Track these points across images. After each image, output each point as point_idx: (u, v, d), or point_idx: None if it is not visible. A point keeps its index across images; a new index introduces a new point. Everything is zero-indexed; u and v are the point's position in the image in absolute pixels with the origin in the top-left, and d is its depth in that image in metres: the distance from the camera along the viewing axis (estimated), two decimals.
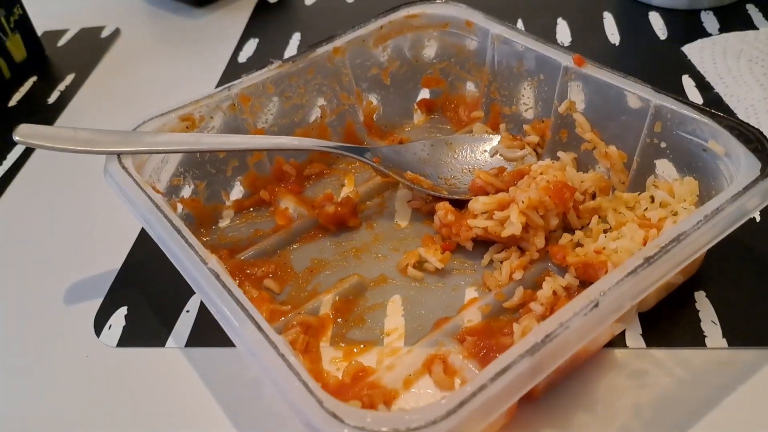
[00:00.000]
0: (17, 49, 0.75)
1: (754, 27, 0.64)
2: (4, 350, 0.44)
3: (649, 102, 0.42)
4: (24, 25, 0.75)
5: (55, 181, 0.59)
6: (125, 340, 0.43)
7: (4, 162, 0.62)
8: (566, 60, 0.47)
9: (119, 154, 0.42)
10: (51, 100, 0.70)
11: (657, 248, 0.32)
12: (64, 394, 0.40)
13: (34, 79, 0.74)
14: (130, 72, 0.74)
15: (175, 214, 0.38)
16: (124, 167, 0.41)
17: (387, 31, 0.55)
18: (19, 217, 0.55)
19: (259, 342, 0.30)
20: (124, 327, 0.44)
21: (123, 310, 0.45)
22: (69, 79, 0.73)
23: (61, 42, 0.81)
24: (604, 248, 0.40)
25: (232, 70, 0.70)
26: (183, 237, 0.36)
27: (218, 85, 0.67)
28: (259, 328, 0.31)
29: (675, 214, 0.41)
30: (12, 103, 0.70)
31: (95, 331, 0.43)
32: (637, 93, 0.43)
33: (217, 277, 0.34)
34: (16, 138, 0.41)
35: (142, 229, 0.51)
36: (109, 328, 0.44)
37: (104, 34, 0.81)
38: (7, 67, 0.73)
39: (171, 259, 0.36)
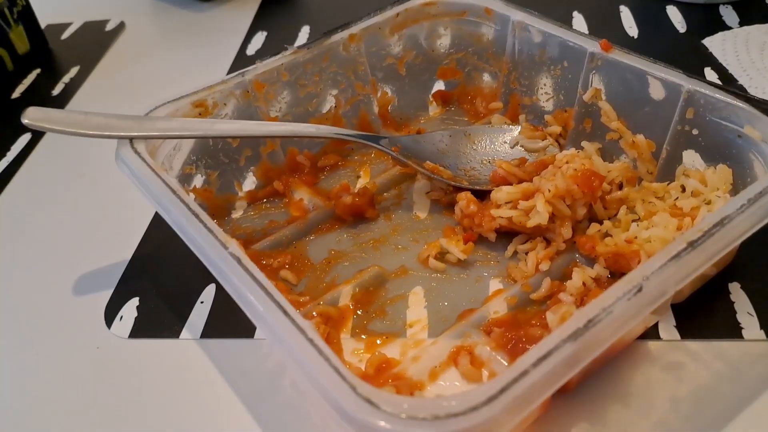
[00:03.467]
0: (20, 41, 0.73)
1: None
2: (12, 343, 0.42)
3: (680, 87, 0.41)
4: (27, 16, 0.74)
5: (60, 171, 0.57)
6: (137, 332, 0.41)
7: (8, 153, 0.60)
8: (592, 46, 0.45)
9: (132, 139, 0.40)
10: (55, 92, 0.69)
11: (701, 232, 0.31)
12: (75, 387, 0.39)
13: (37, 71, 0.73)
14: (135, 65, 0.72)
15: (191, 199, 0.36)
16: (137, 152, 0.40)
17: (403, 19, 0.53)
18: (24, 208, 0.53)
19: (286, 327, 0.29)
20: (136, 318, 0.42)
21: (134, 301, 0.43)
22: (73, 71, 0.72)
23: (65, 35, 0.80)
24: (635, 237, 0.39)
25: (240, 64, 0.69)
26: (202, 221, 0.34)
27: (233, 63, 0.67)
28: (286, 312, 0.29)
29: (708, 203, 0.40)
30: (15, 95, 0.69)
31: (106, 323, 0.42)
32: (668, 78, 0.42)
33: (239, 261, 0.32)
34: (25, 121, 0.39)
35: (153, 219, 0.49)
36: (121, 319, 0.42)
37: (108, 27, 0.80)
38: (10, 59, 0.72)
39: (189, 245, 0.35)
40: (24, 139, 0.61)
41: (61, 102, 0.67)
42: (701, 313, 0.38)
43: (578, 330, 0.27)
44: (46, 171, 0.58)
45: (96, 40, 0.78)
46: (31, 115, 0.39)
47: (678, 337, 0.37)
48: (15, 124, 0.63)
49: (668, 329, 0.38)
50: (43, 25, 0.77)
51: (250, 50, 0.71)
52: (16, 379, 0.40)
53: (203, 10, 0.81)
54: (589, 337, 0.27)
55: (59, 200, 0.54)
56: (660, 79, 0.42)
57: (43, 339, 0.42)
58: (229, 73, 0.67)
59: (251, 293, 0.31)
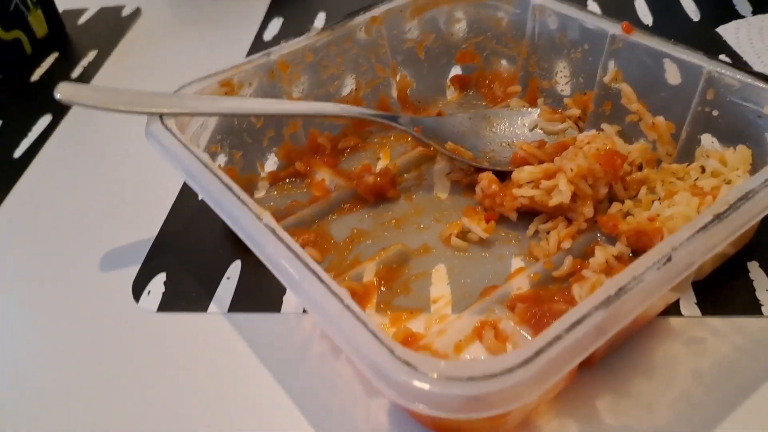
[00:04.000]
0: (39, 25, 0.74)
1: None
2: (41, 317, 0.43)
3: (701, 68, 0.42)
4: (46, 0, 0.74)
5: (82, 151, 0.58)
6: (165, 306, 0.42)
7: (29, 134, 0.61)
8: (613, 28, 0.46)
9: (162, 115, 0.41)
10: (74, 75, 0.69)
11: (726, 205, 0.32)
12: (104, 361, 0.39)
13: (55, 55, 0.74)
14: (152, 50, 0.73)
15: (223, 173, 0.37)
16: (168, 128, 0.40)
17: (424, 2, 0.54)
18: (47, 188, 0.54)
19: (323, 294, 0.29)
20: (163, 293, 0.43)
21: (162, 276, 0.44)
22: (92, 55, 0.73)
23: (81, 20, 0.80)
24: (657, 216, 0.40)
25: (258, 49, 0.69)
26: (235, 194, 0.35)
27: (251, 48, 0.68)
28: (322, 280, 0.30)
29: (729, 182, 0.40)
30: (34, 77, 0.70)
31: (134, 297, 0.43)
32: (689, 59, 0.42)
33: (274, 232, 0.33)
34: (57, 96, 0.40)
35: (179, 195, 0.50)
36: (149, 294, 0.43)
37: (125, 13, 0.81)
38: (29, 43, 0.72)
39: (223, 217, 0.35)
40: (45, 120, 0.62)
41: None
42: (721, 290, 0.39)
43: (610, 297, 0.28)
44: (67, 152, 0.58)
45: (112, 25, 0.79)
46: (63, 90, 0.40)
47: (699, 313, 0.38)
48: (35, 105, 0.64)
49: (689, 306, 0.38)
50: (59, 10, 0.78)
51: (267, 36, 0.72)
52: (46, 354, 0.40)
53: None
54: (620, 304, 0.28)
55: (82, 180, 0.54)
56: (680, 60, 0.43)
57: (71, 314, 0.43)
58: (255, 36, 0.68)
59: (287, 262, 0.31)
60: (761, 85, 0.39)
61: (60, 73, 0.70)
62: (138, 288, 0.43)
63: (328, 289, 0.29)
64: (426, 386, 0.26)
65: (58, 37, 0.77)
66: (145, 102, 0.40)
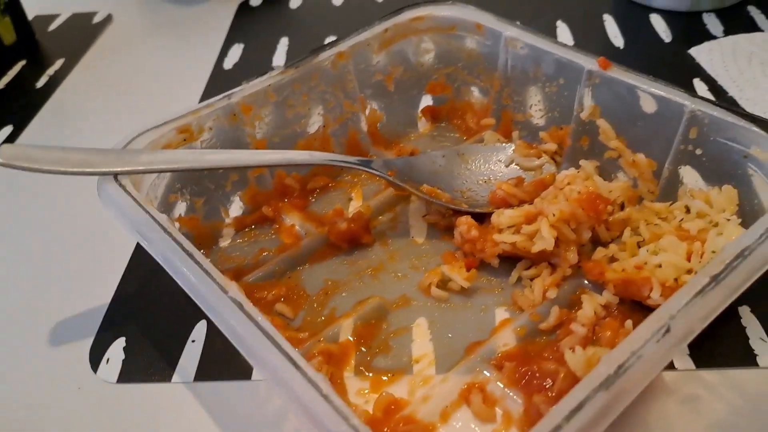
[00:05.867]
0: (7, 32, 0.72)
1: (757, 29, 0.63)
2: None
3: (683, 107, 0.40)
4: (14, 7, 0.73)
5: (28, 205, 0.54)
6: (125, 376, 0.39)
7: None
8: (590, 63, 0.44)
9: (116, 174, 0.38)
10: (39, 84, 0.68)
11: (723, 264, 0.30)
12: None
13: (23, 62, 0.72)
14: (120, 58, 0.72)
15: (184, 238, 0.34)
16: (122, 186, 0.37)
17: (392, 34, 0.52)
18: None
19: (301, 384, 0.27)
20: (123, 360, 0.39)
21: (121, 342, 0.40)
22: (58, 63, 0.71)
23: (52, 27, 0.79)
24: (645, 263, 0.38)
25: (227, 54, 0.70)
26: (198, 263, 0.32)
27: (212, 73, 0.67)
28: (297, 367, 0.27)
29: (716, 225, 0.39)
30: (0, 86, 0.68)
31: (92, 366, 0.39)
32: (670, 97, 0.41)
33: (241, 307, 0.30)
34: None
35: (134, 252, 0.47)
36: (107, 362, 0.39)
37: (96, 19, 0.79)
38: None
39: (186, 289, 0.32)
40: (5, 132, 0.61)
41: (44, 95, 0.67)
42: (712, 339, 0.37)
43: (609, 377, 0.26)
44: (9, 203, 0.54)
45: (83, 32, 0.77)
46: (5, 153, 0.36)
47: (692, 366, 0.36)
48: None
49: (682, 358, 0.37)
50: (30, 15, 0.77)
51: (236, 40, 0.72)
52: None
53: (191, 4, 0.80)
54: (622, 383, 0.26)
55: (31, 235, 0.51)
56: (661, 98, 0.41)
57: (25, 388, 0.39)
58: (215, 64, 0.67)
59: (257, 343, 0.29)
60: (747, 125, 0.38)
61: (26, 82, 0.69)
62: (96, 356, 0.40)
63: (307, 380, 0.27)
64: None
65: (28, 43, 0.75)
66: (96, 162, 0.37)
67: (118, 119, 0.62)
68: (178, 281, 0.33)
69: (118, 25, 0.79)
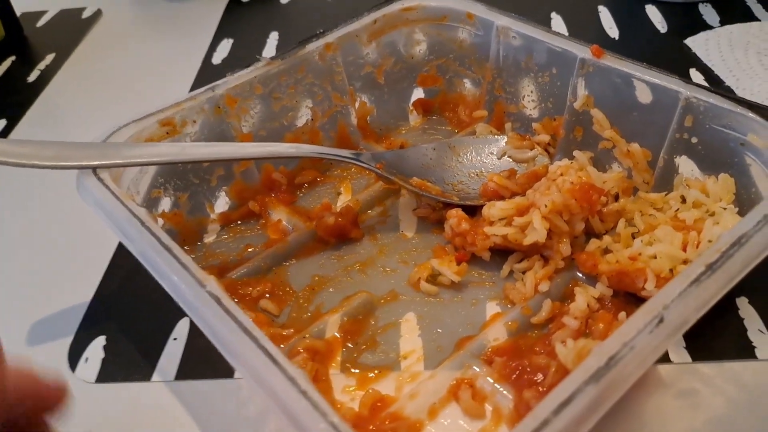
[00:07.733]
0: None
1: (754, 18, 0.62)
2: None
3: (678, 94, 0.39)
4: (2, 4, 0.72)
5: (8, 194, 0.53)
6: (104, 375, 0.37)
7: None
8: (583, 52, 0.43)
9: (95, 168, 0.37)
10: (31, 79, 0.68)
11: (718, 253, 0.29)
12: None
13: (12, 58, 0.71)
14: (111, 53, 0.71)
15: (163, 232, 0.33)
16: (101, 180, 0.36)
17: (381, 25, 0.51)
18: None
19: (280, 382, 0.26)
20: (103, 360, 0.38)
21: (101, 340, 0.39)
22: (49, 58, 0.71)
23: (41, 23, 0.78)
24: (639, 254, 0.37)
25: (217, 49, 0.69)
26: (176, 257, 0.31)
27: (200, 68, 0.66)
28: (275, 362, 0.26)
29: (712, 214, 0.38)
30: None
31: (70, 366, 0.38)
32: (665, 85, 0.40)
33: (219, 302, 0.29)
34: None
35: (116, 249, 0.45)
36: (86, 361, 0.38)
37: (85, 15, 0.79)
38: None
39: (163, 284, 0.31)
40: None
41: (36, 89, 0.66)
42: (710, 332, 0.36)
43: (600, 369, 0.25)
44: None
45: (72, 27, 0.77)
46: None
47: (689, 359, 0.35)
48: None
49: (678, 351, 0.36)
50: (18, 12, 0.76)
51: (225, 41, 0.70)
52: None
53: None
54: (613, 376, 0.25)
55: (10, 231, 0.50)
56: (655, 85, 0.40)
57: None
58: (203, 60, 0.66)
59: (235, 338, 0.27)
60: (743, 111, 0.37)
61: (17, 77, 0.68)
62: (74, 355, 0.39)
63: (287, 378, 0.26)
64: None
65: (16, 40, 0.74)
66: (74, 155, 0.36)
67: (109, 113, 0.61)
68: (154, 275, 0.32)
69: (108, 20, 0.78)
